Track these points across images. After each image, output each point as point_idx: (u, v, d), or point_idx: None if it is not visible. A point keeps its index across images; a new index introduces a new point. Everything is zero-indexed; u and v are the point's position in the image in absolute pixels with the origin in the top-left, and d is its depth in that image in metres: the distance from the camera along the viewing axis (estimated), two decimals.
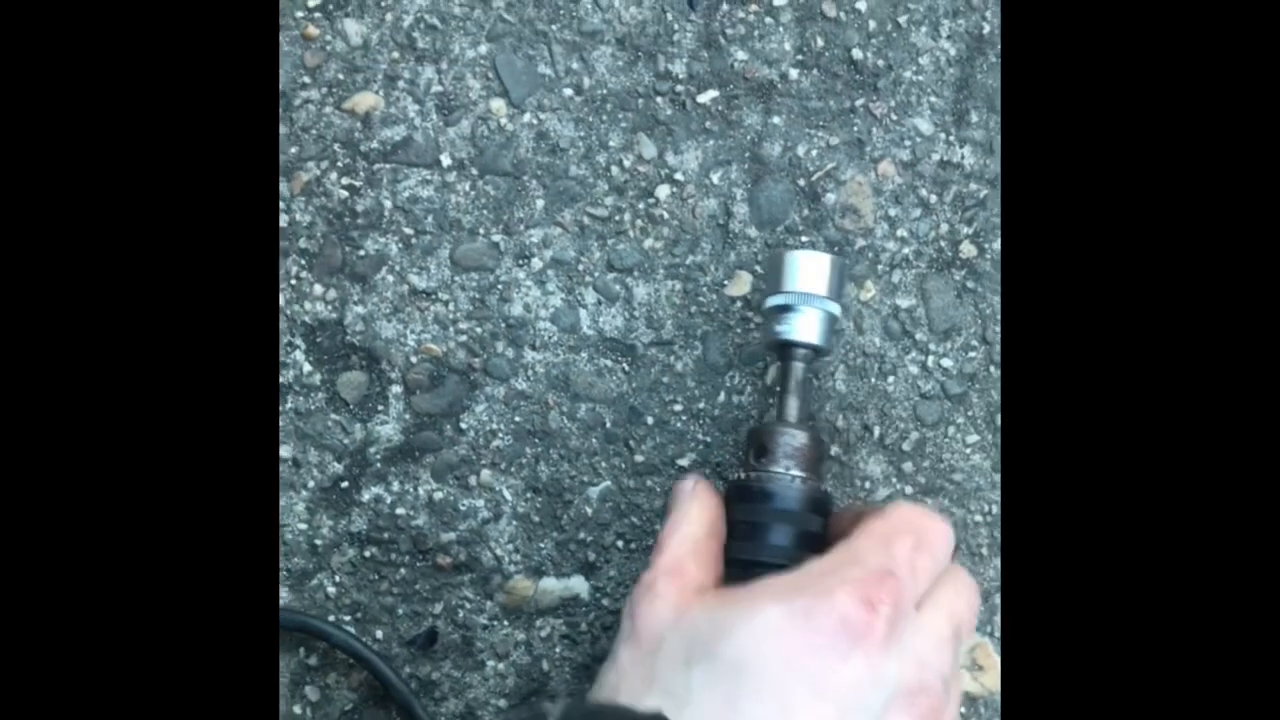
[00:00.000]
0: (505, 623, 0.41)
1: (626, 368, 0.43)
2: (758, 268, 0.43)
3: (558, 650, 0.41)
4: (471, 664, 0.41)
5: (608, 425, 0.42)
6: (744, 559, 0.35)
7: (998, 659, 0.40)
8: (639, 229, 0.43)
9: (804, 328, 0.38)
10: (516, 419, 0.42)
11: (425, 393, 0.43)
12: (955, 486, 0.41)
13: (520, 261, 0.43)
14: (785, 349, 0.38)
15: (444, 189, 0.44)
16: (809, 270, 0.38)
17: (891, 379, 0.42)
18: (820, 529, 0.36)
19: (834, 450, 0.42)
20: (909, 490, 0.41)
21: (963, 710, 0.40)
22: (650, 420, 0.42)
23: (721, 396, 0.42)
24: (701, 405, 0.42)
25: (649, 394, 0.42)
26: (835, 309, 0.38)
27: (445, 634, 0.41)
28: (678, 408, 0.42)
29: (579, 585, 0.41)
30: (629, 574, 0.41)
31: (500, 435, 0.42)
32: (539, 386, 0.43)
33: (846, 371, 0.42)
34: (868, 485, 0.41)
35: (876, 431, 0.42)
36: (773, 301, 0.38)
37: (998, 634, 0.40)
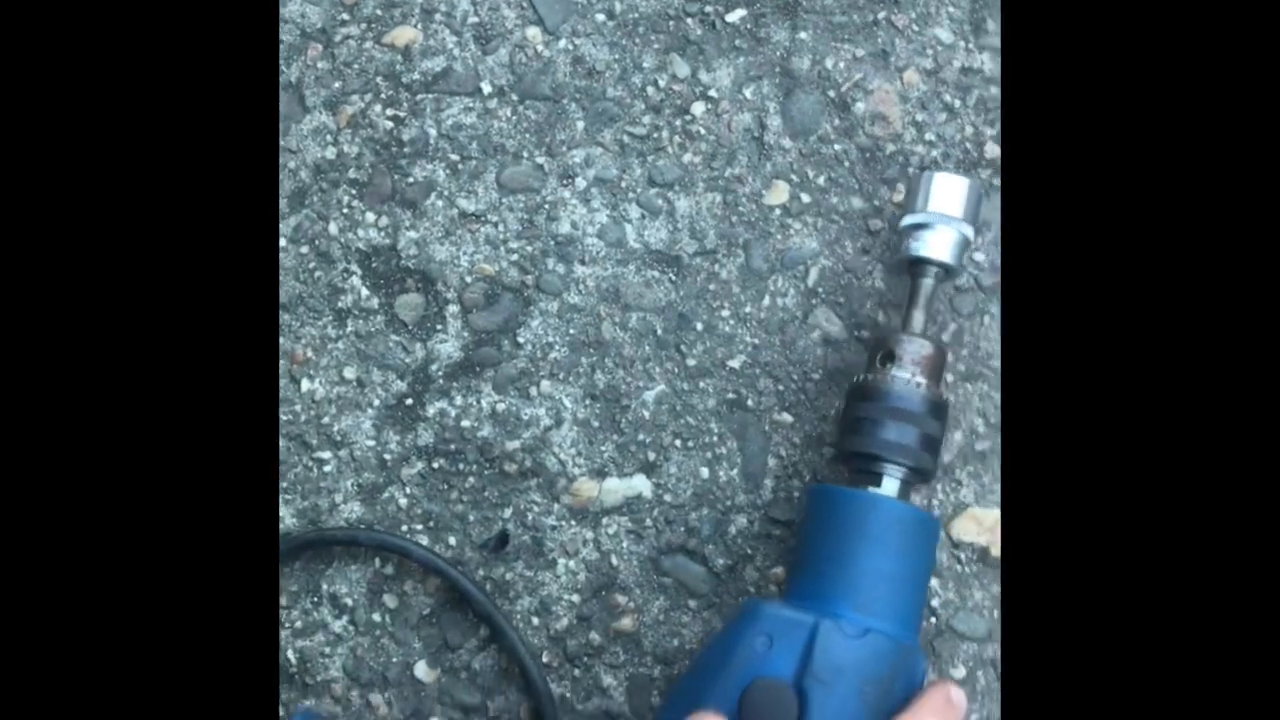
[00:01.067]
0: (573, 523, 0.43)
1: (673, 277, 0.44)
2: (793, 176, 0.45)
3: (624, 545, 0.43)
4: (543, 563, 0.43)
5: (658, 332, 0.44)
6: (862, 452, 0.38)
7: None
8: (677, 145, 0.45)
9: (936, 246, 0.40)
10: (571, 331, 0.44)
11: (481, 310, 0.44)
12: (993, 371, 0.43)
13: (565, 181, 0.45)
14: (916, 265, 0.40)
15: (486, 115, 0.46)
16: (946, 192, 0.40)
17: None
18: (938, 433, 0.38)
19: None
20: (950, 378, 0.43)
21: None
22: (699, 326, 0.44)
23: (766, 300, 0.44)
24: (747, 309, 0.44)
25: (696, 301, 0.44)
26: (969, 231, 0.40)
27: (516, 536, 0.43)
28: (725, 313, 0.44)
29: (641, 484, 0.43)
30: (687, 470, 0.43)
31: (556, 347, 0.44)
32: (590, 299, 0.44)
33: (885, 271, 0.44)
34: None
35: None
36: (910, 220, 0.40)
37: None
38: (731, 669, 0.34)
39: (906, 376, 0.38)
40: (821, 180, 0.45)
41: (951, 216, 0.39)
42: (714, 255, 0.44)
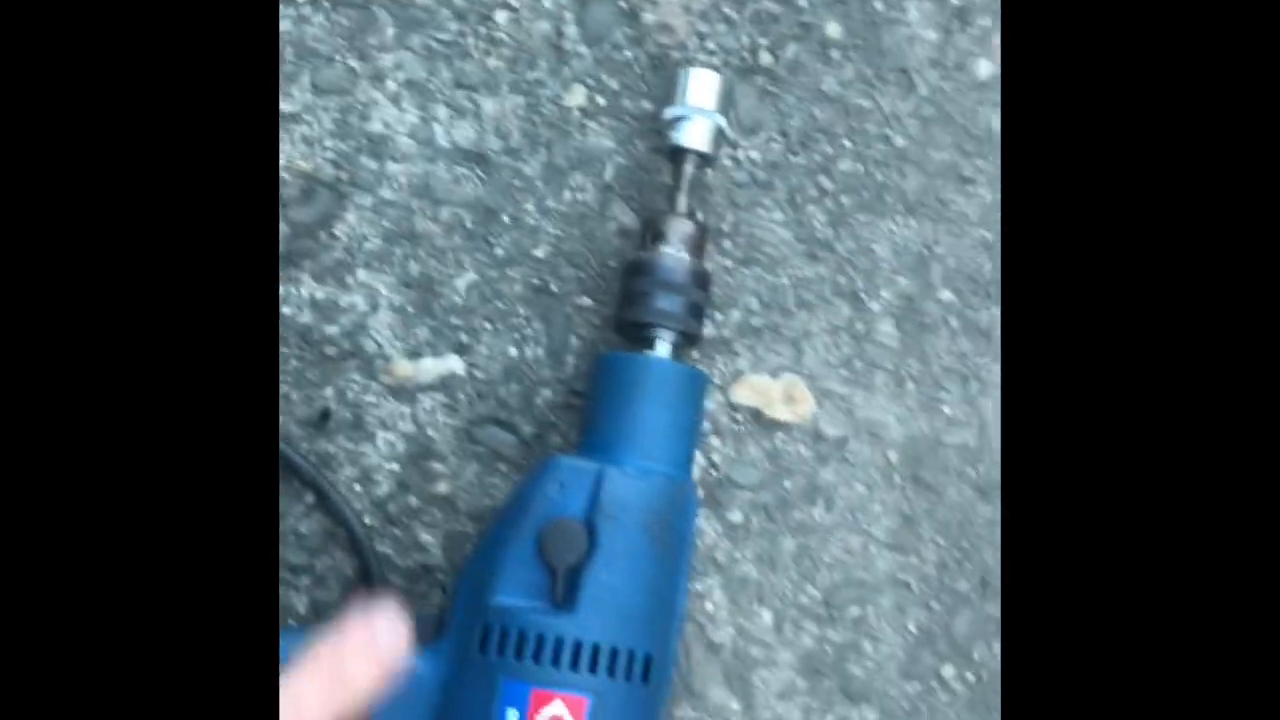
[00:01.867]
0: (391, 399, 0.47)
1: (481, 174, 0.48)
2: (590, 80, 0.49)
3: (440, 418, 0.47)
4: (363, 436, 0.47)
5: (468, 225, 0.48)
6: (637, 320, 0.43)
7: (809, 393, 0.49)
8: (481, 50, 0.49)
9: (694, 136, 0.44)
10: (385, 224, 0.48)
11: (299, 205, 0.47)
12: (766, 257, 0.49)
13: (376, 84, 0.48)
14: (678, 153, 0.45)
15: (300, 21, 0.48)
16: (701, 86, 0.44)
17: (709, 171, 0.49)
18: (703, 301, 0.44)
19: None
20: (728, 263, 0.48)
21: (780, 435, 0.48)
22: (506, 219, 0.48)
23: (566, 195, 0.48)
24: (549, 203, 0.48)
25: (503, 196, 0.48)
26: (723, 121, 0.45)
27: (337, 413, 0.47)
28: (529, 206, 0.48)
29: (454, 363, 0.47)
30: (497, 350, 0.47)
31: (371, 239, 0.47)
32: (403, 194, 0.48)
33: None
34: None
35: (699, 215, 0.49)
36: (670, 112, 0.45)
37: (808, 372, 0.49)
38: (529, 514, 0.39)
39: (673, 252, 0.43)
40: (615, 84, 0.49)
41: (706, 109, 0.44)
42: (518, 153, 0.48)
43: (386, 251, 0.47)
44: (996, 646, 0.49)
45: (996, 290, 0.50)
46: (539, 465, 0.41)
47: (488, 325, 0.48)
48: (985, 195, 0.50)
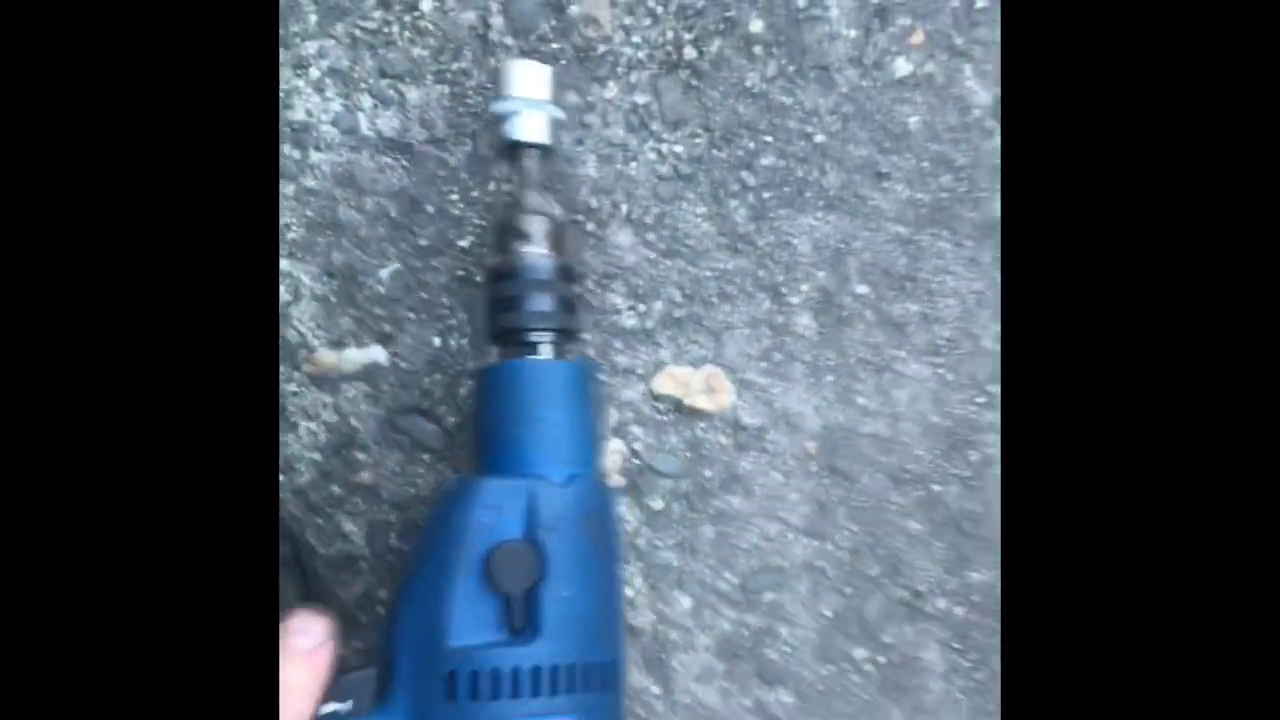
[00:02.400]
0: (313, 389, 0.47)
1: (405, 164, 0.48)
2: None
3: (363, 407, 0.47)
4: (285, 425, 0.47)
5: (392, 215, 0.48)
6: (514, 327, 0.41)
7: (729, 384, 0.50)
8: (407, 39, 0.49)
9: (530, 128, 0.43)
10: (308, 213, 0.47)
11: None
12: (689, 249, 0.50)
13: (299, 71, 0.48)
14: (516, 148, 0.43)
15: None
16: (528, 77, 0.43)
17: (634, 164, 0.50)
18: (573, 295, 0.42)
19: (590, 226, 0.49)
20: (652, 255, 0.49)
21: (701, 424, 0.49)
22: (430, 209, 0.48)
23: (491, 185, 0.49)
24: (475, 193, 0.49)
25: (427, 186, 0.48)
26: (558, 112, 0.44)
27: None
28: (454, 197, 0.48)
29: (378, 353, 0.48)
30: (421, 340, 0.48)
31: (294, 228, 0.47)
32: (326, 183, 0.48)
33: (597, 160, 0.49)
34: (619, 253, 0.50)
35: (624, 209, 0.50)
36: (499, 107, 0.43)
37: (728, 363, 0.50)
38: (468, 545, 0.38)
39: (535, 250, 0.41)
40: None
41: (538, 100, 0.43)
42: (443, 144, 0.49)
43: (309, 241, 0.47)
44: (907, 629, 0.50)
45: (910, 284, 0.51)
46: (461, 491, 0.39)
47: (411, 315, 0.48)
48: (901, 191, 0.51)
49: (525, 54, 0.49)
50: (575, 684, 0.37)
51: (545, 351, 0.42)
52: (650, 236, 0.50)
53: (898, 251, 0.51)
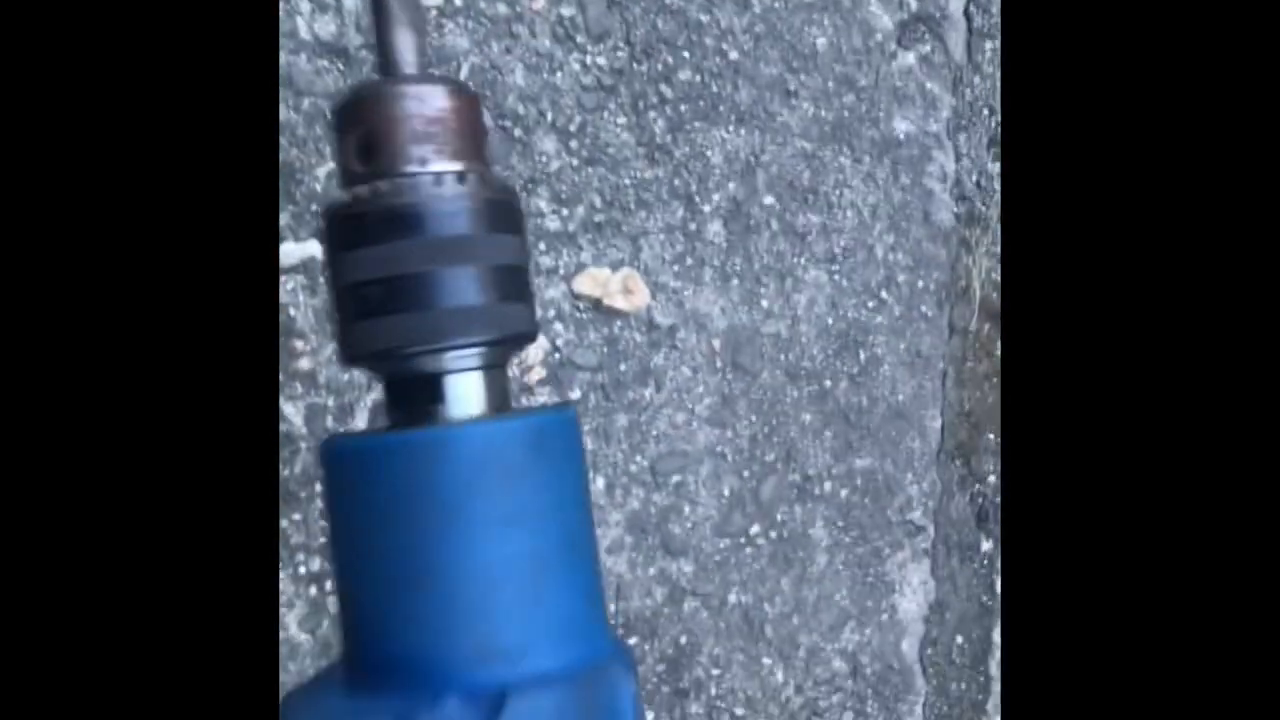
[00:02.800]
0: None
1: (341, 67, 0.51)
2: None
3: (301, 299, 0.50)
4: None
5: (328, 115, 0.51)
6: (400, 350, 0.20)
7: (644, 286, 0.54)
8: None
9: None
10: None
11: None
12: (609, 157, 0.53)
13: None
14: None
15: None
16: None
17: (560, 74, 0.53)
18: (519, 253, 0.21)
19: (516, 133, 0.53)
20: (575, 162, 0.53)
21: (618, 322, 0.54)
22: None
23: None
24: None
25: None
26: None
27: None
28: None
29: (314, 247, 0.50)
30: None
31: None
32: None
33: (524, 69, 0.52)
34: (544, 159, 0.53)
35: (549, 116, 0.53)
36: None
37: (644, 267, 0.54)
38: None
39: (437, 169, 0.20)
40: None
41: None
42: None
43: None
44: (797, 509, 0.56)
45: (812, 197, 0.56)
46: None
47: None
48: (808, 109, 0.55)
49: None
50: None
51: (470, 395, 0.21)
52: (573, 144, 0.53)
53: (802, 166, 0.56)
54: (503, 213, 0.20)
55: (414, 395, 0.20)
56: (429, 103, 0.20)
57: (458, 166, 0.20)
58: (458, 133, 0.20)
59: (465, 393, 0.20)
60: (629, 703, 0.19)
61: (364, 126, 0.20)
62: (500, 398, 0.20)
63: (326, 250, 0.21)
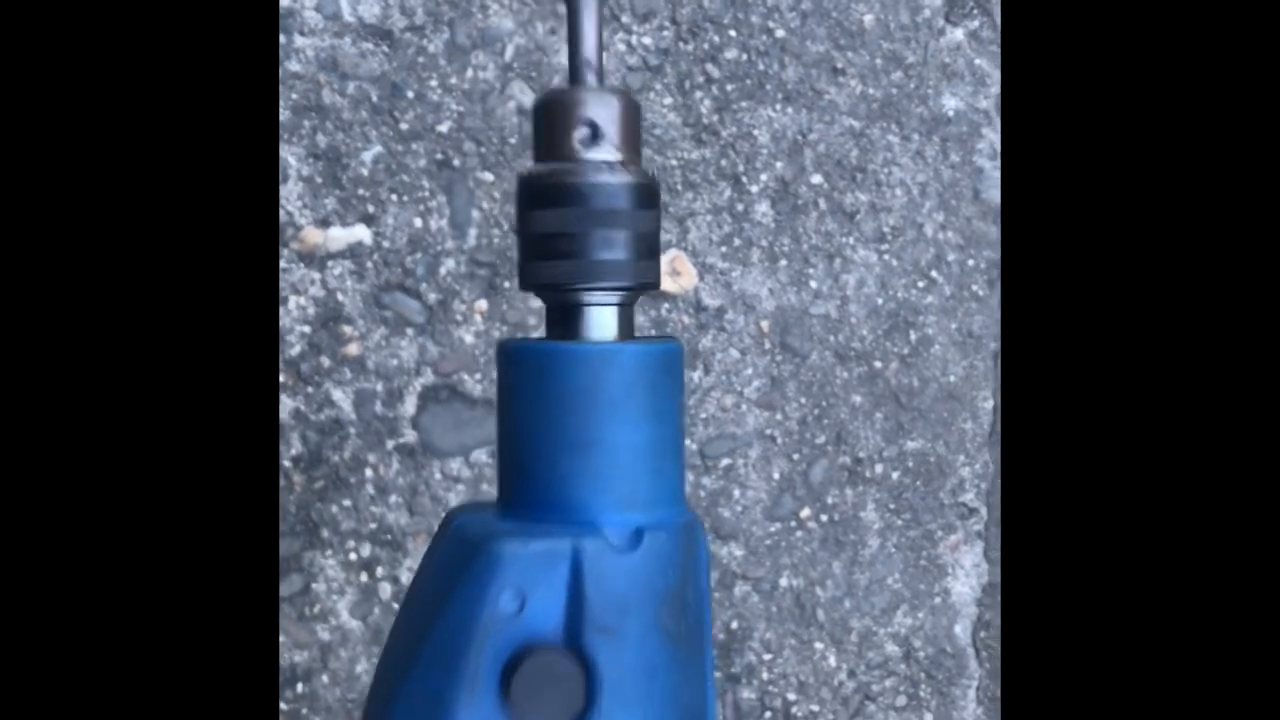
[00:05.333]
0: (301, 266, 0.50)
1: (386, 50, 0.50)
2: None
3: (349, 284, 0.50)
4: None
5: (374, 100, 0.50)
6: (560, 284, 0.27)
7: (692, 267, 0.53)
8: None
9: None
10: (293, 96, 0.49)
11: None
12: (655, 138, 0.53)
13: None
14: None
15: None
16: None
17: (605, 54, 0.52)
18: (655, 227, 0.28)
19: None
20: None
21: (665, 305, 0.53)
22: (410, 94, 0.50)
23: (469, 73, 0.51)
24: (452, 80, 0.51)
25: (407, 72, 0.50)
26: None
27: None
28: (433, 83, 0.51)
29: (361, 232, 0.50)
30: (403, 221, 0.50)
31: (280, 111, 0.49)
32: (310, 68, 0.50)
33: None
34: None
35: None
36: None
37: (691, 248, 0.53)
38: (484, 643, 0.25)
39: (598, 159, 0.27)
40: None
41: None
42: (422, 30, 0.51)
43: (295, 123, 0.49)
44: (848, 492, 0.55)
45: (860, 175, 0.55)
46: (472, 552, 0.26)
47: (393, 197, 0.51)
48: (855, 86, 0.55)
49: None
50: None
51: (605, 324, 0.28)
52: None
53: (850, 144, 0.55)
54: (646, 194, 0.27)
55: (568, 319, 0.28)
56: (605, 109, 0.27)
57: (618, 157, 0.27)
58: (622, 132, 0.27)
59: (604, 321, 0.28)
60: (705, 550, 0.28)
61: (555, 120, 0.27)
62: (628, 327, 0.28)
63: (518, 203, 0.28)
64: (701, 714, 0.27)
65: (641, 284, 0.28)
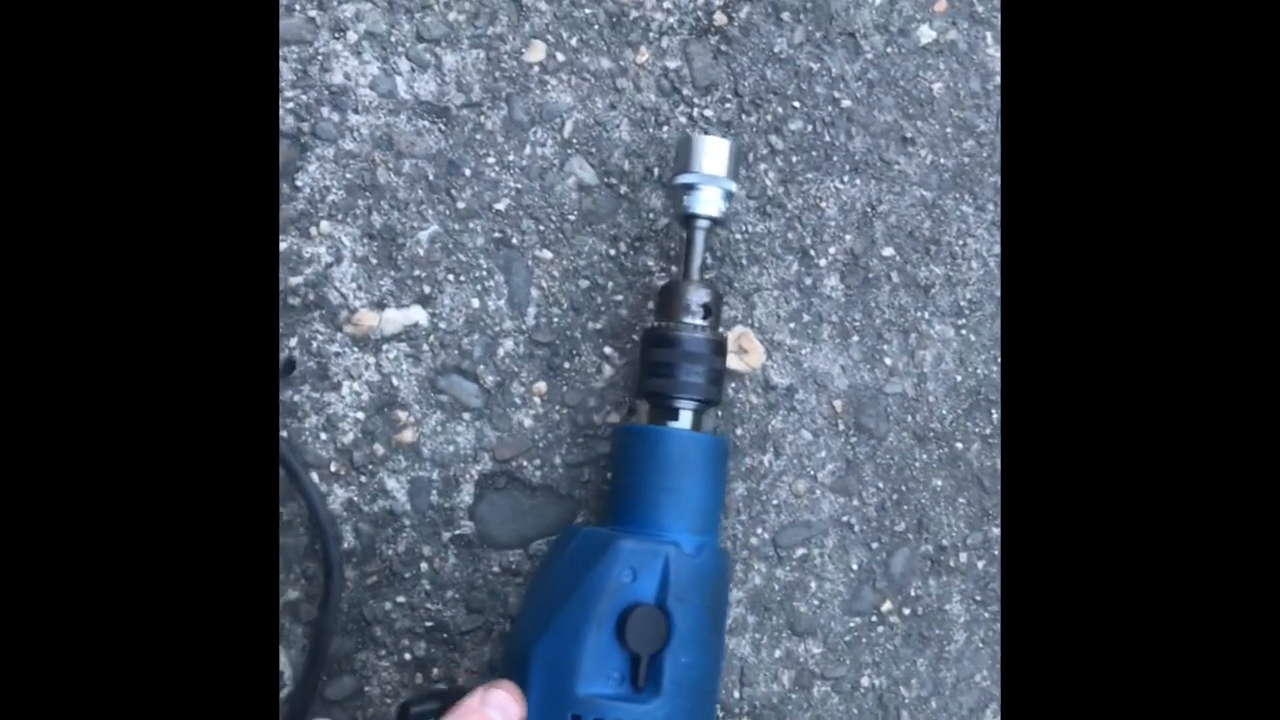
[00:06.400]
0: (355, 349, 0.48)
1: (443, 127, 0.49)
2: (549, 37, 0.50)
3: (404, 367, 0.48)
4: (328, 385, 0.47)
5: (430, 178, 0.49)
6: (662, 393, 0.44)
7: (759, 345, 0.51)
8: (442, 4, 0.49)
9: (706, 203, 0.46)
10: (348, 175, 0.48)
11: None
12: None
13: (336, 34, 0.48)
14: (690, 220, 0.46)
15: None
16: (711, 153, 0.45)
17: (665, 128, 0.51)
18: (721, 367, 0.45)
19: (623, 190, 0.50)
20: None
21: (732, 384, 0.51)
22: (468, 172, 0.49)
23: (527, 149, 0.49)
24: (510, 157, 0.49)
25: (464, 149, 0.49)
26: (732, 187, 0.46)
27: (302, 363, 0.47)
28: (490, 160, 0.49)
29: (418, 314, 0.48)
30: (460, 301, 0.48)
31: (334, 190, 0.48)
32: (365, 146, 0.48)
33: (630, 124, 0.50)
34: (651, 215, 0.50)
35: (656, 172, 0.50)
36: (681, 179, 0.46)
37: (758, 324, 0.51)
38: (606, 601, 0.40)
39: (693, 323, 0.45)
40: (574, 41, 0.50)
41: (717, 175, 0.45)
42: (479, 107, 0.49)
43: (349, 203, 0.48)
44: (931, 583, 0.52)
45: (934, 248, 0.53)
46: (602, 546, 0.41)
47: (450, 277, 0.49)
48: (925, 155, 0.53)
49: (559, 18, 0.50)
50: None
51: (686, 420, 0.44)
52: None
53: (922, 215, 0.53)
54: (718, 347, 0.45)
55: (663, 416, 0.45)
56: (699, 294, 0.45)
57: (705, 323, 0.45)
58: (709, 308, 0.45)
59: (685, 420, 0.45)
60: (730, 564, 0.48)
61: (667, 298, 0.46)
62: (699, 424, 0.45)
63: (642, 345, 0.46)
64: (719, 657, 0.43)
65: (709, 400, 0.45)
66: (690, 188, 0.46)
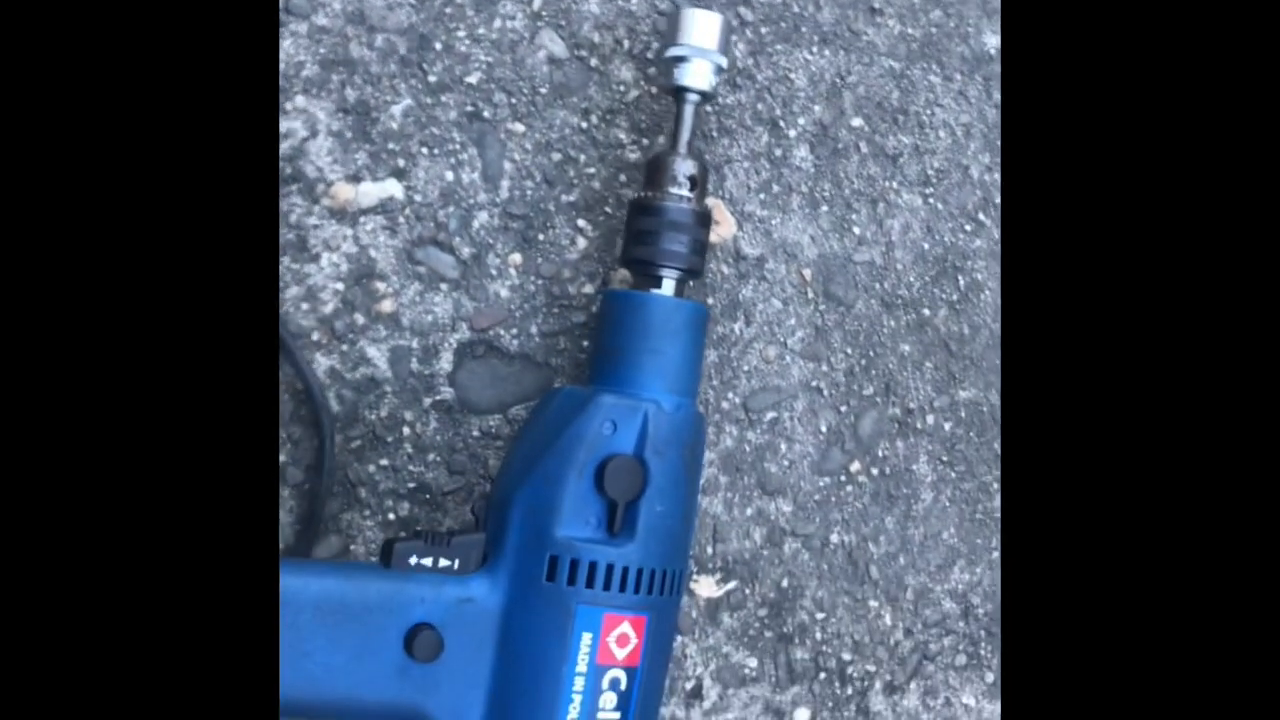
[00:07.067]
0: (333, 222, 0.49)
1: (413, 1, 0.49)
2: None
3: (381, 239, 0.49)
4: (307, 257, 0.49)
5: (402, 52, 0.49)
6: (646, 260, 0.45)
7: (730, 216, 0.52)
8: None
9: (696, 76, 0.46)
10: (321, 50, 0.49)
11: None
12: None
13: None
14: (680, 93, 0.46)
15: None
16: (702, 26, 0.46)
17: (634, 1, 0.51)
18: (704, 238, 0.46)
19: (593, 63, 0.51)
20: (654, 90, 0.51)
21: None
22: (438, 45, 0.50)
23: (497, 22, 0.50)
24: (481, 30, 0.50)
25: (435, 23, 0.50)
26: (723, 61, 0.46)
27: (282, 235, 0.49)
28: (461, 33, 0.50)
29: (393, 187, 0.49)
30: (434, 174, 0.50)
31: (308, 65, 0.49)
32: (338, 21, 0.49)
33: None
34: (621, 88, 0.51)
35: (625, 44, 0.51)
36: (671, 52, 0.46)
37: (729, 196, 0.52)
38: (585, 451, 0.42)
39: (679, 194, 0.45)
40: None
41: (707, 49, 0.46)
42: None
43: (323, 77, 0.49)
44: (899, 444, 0.54)
45: (902, 117, 0.53)
46: (583, 401, 0.43)
47: (424, 150, 0.50)
48: (893, 26, 0.53)
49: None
50: (653, 587, 0.42)
51: (669, 288, 0.45)
52: (651, 71, 0.51)
53: (890, 85, 0.53)
54: (703, 219, 0.46)
55: (647, 284, 0.46)
56: (686, 166, 0.46)
57: (690, 194, 0.46)
58: (695, 180, 0.46)
59: (668, 289, 0.46)
60: (705, 425, 0.48)
61: (654, 168, 0.47)
62: (681, 294, 0.46)
63: (629, 214, 0.47)
64: (692, 515, 0.46)
65: (691, 270, 0.46)
66: (680, 59, 0.46)
